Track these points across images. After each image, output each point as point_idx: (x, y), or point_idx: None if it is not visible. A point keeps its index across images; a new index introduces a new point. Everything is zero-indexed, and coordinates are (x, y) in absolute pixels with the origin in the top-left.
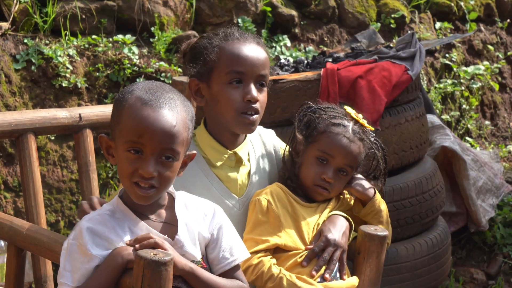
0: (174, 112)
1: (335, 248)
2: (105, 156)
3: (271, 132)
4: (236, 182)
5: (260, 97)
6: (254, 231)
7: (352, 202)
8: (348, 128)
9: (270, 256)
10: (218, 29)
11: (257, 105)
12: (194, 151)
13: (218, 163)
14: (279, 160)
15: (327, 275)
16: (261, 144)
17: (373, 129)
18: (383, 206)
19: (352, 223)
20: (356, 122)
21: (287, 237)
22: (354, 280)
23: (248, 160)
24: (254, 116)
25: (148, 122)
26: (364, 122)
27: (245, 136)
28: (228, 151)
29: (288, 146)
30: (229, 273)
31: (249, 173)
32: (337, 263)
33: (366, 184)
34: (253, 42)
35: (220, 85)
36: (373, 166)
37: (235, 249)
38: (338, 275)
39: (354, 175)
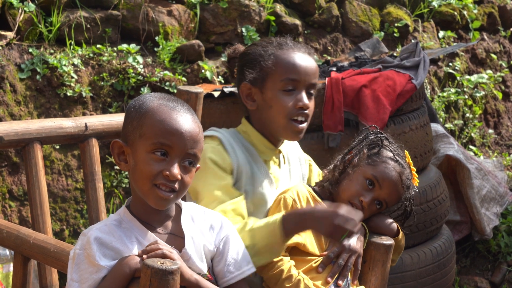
0: (196, 119)
1: (349, 253)
2: (115, 161)
3: (295, 142)
4: (278, 178)
5: (310, 105)
6: None
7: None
8: (404, 171)
9: (289, 257)
10: (270, 38)
11: (307, 112)
12: (199, 165)
13: (268, 158)
14: (304, 167)
15: (340, 282)
16: (291, 150)
17: (417, 184)
18: (403, 241)
19: (367, 229)
20: (411, 171)
21: (307, 238)
22: None
23: (285, 160)
24: (304, 124)
25: (178, 124)
26: (416, 174)
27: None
28: (275, 147)
29: (342, 157)
30: (234, 287)
31: (288, 171)
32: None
33: (393, 226)
34: (305, 51)
35: (274, 91)
36: (399, 215)
37: (241, 263)
38: (348, 283)
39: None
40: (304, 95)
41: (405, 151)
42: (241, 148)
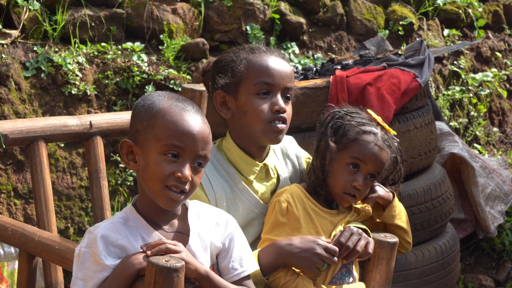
0: (205, 120)
1: (359, 237)
2: (124, 161)
3: (291, 139)
4: (266, 192)
5: (287, 108)
6: (273, 231)
7: (370, 210)
8: (378, 135)
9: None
10: (243, 44)
11: (284, 115)
12: None
13: (251, 176)
14: (301, 166)
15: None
16: (283, 152)
17: (395, 133)
18: (401, 207)
19: (370, 233)
20: (382, 128)
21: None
22: (362, 285)
23: (275, 170)
24: (283, 125)
25: (190, 126)
26: (389, 128)
27: (270, 147)
28: (259, 163)
29: (316, 154)
30: (238, 283)
31: (277, 182)
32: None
33: (384, 188)
34: (279, 55)
35: (248, 96)
36: (395, 170)
37: (244, 261)
38: (347, 279)
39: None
40: (279, 98)
41: (367, 110)
42: (220, 175)
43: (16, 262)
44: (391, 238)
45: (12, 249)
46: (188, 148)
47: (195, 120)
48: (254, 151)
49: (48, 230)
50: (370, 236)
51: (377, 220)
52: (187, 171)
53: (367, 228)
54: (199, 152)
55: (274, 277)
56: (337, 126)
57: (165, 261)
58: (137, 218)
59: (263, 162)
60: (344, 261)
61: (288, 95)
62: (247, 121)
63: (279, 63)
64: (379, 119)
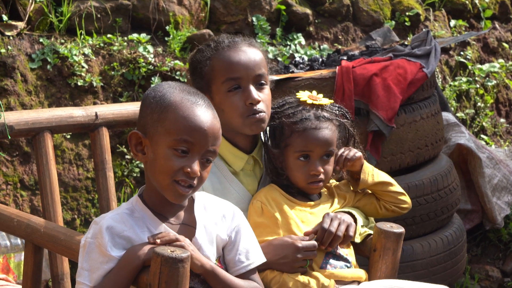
0: (215, 114)
1: (338, 222)
2: (132, 152)
3: None
4: (255, 184)
5: (262, 96)
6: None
7: (350, 187)
8: (310, 118)
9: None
10: (210, 40)
11: (260, 106)
12: None
13: (239, 169)
14: None
15: (329, 248)
16: None
17: (332, 101)
18: (372, 167)
19: (357, 218)
20: (313, 106)
21: (286, 234)
22: (361, 272)
23: (262, 164)
24: (261, 116)
25: (201, 121)
26: (321, 102)
27: (258, 139)
28: (246, 155)
29: (268, 160)
30: (245, 276)
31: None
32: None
33: (350, 151)
34: (244, 45)
35: (220, 95)
36: (349, 134)
37: (251, 253)
38: (346, 266)
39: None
40: (251, 89)
41: (297, 94)
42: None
43: (22, 254)
44: (397, 229)
45: (19, 241)
46: (198, 144)
47: (206, 116)
48: (241, 143)
49: (54, 221)
50: (356, 221)
51: (359, 190)
52: (196, 166)
53: (353, 212)
54: (209, 148)
55: (261, 276)
56: (273, 128)
57: (171, 251)
58: (143, 210)
59: (251, 154)
60: (329, 249)
61: (262, 82)
62: (227, 119)
63: (244, 55)
64: (309, 97)
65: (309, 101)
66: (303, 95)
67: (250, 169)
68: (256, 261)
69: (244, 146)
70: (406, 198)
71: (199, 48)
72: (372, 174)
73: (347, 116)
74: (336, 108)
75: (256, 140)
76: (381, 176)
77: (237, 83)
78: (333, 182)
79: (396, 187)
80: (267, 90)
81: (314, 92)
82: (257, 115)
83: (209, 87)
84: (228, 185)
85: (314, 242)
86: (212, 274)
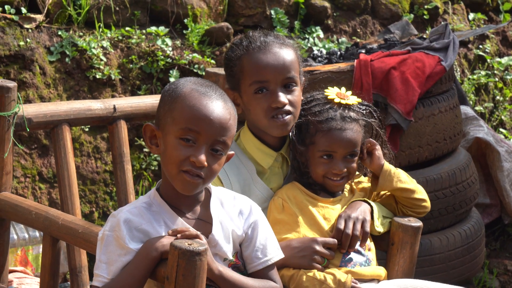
0: (228, 106)
1: (353, 221)
2: (147, 145)
3: None
4: (281, 182)
5: (290, 98)
6: (273, 229)
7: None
8: (335, 118)
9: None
10: (244, 36)
11: (287, 108)
12: (233, 152)
13: (267, 166)
14: None
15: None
16: None
17: (360, 100)
18: (397, 169)
19: (372, 204)
20: (340, 105)
21: (306, 232)
22: (381, 270)
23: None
24: (286, 117)
25: (208, 111)
26: (348, 101)
27: (287, 135)
28: (275, 153)
29: (292, 155)
30: (262, 272)
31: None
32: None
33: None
34: (275, 46)
35: (248, 95)
36: (377, 134)
37: (268, 249)
38: (366, 262)
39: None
40: (279, 93)
41: (325, 90)
42: (237, 168)
43: (41, 246)
44: (415, 222)
45: (37, 233)
46: (204, 133)
47: (214, 105)
48: (270, 140)
49: (72, 214)
50: (372, 207)
51: (376, 192)
52: (202, 156)
53: (368, 201)
54: (217, 138)
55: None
56: (299, 125)
57: (188, 244)
58: (161, 203)
59: (279, 152)
60: (350, 250)
61: (292, 84)
62: (253, 118)
63: (273, 57)
64: (337, 94)
65: (337, 100)
66: (332, 93)
67: (278, 166)
68: (274, 257)
69: (273, 143)
70: (427, 204)
71: (233, 43)
72: (391, 179)
73: (375, 115)
74: (364, 107)
75: (284, 137)
76: (402, 182)
77: (263, 86)
78: (360, 178)
79: (419, 194)
80: (296, 91)
81: (343, 89)
82: (282, 119)
83: (238, 86)
84: (253, 187)
85: (334, 240)
86: (221, 279)
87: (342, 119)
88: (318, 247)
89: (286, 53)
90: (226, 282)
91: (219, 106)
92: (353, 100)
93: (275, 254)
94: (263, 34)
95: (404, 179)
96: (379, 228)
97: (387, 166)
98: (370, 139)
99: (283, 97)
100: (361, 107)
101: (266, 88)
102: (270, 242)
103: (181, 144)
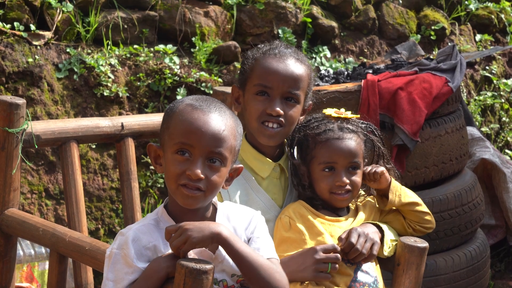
0: (223, 118)
1: (365, 239)
2: (152, 165)
3: None
4: (280, 194)
5: (287, 111)
6: (280, 247)
7: (376, 204)
8: (333, 129)
9: None
10: (269, 41)
11: (280, 119)
12: (241, 165)
13: (265, 175)
14: None
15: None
16: None
17: (358, 116)
18: (400, 185)
19: (384, 229)
20: (338, 119)
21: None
22: None
23: (287, 172)
24: (276, 129)
25: (198, 123)
26: (346, 115)
27: (284, 148)
28: (273, 162)
29: (293, 173)
30: None
31: (290, 183)
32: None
33: (377, 168)
34: (291, 59)
35: (250, 94)
36: (378, 150)
37: (261, 250)
38: (374, 284)
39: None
40: (277, 102)
41: (324, 110)
42: (234, 181)
43: (47, 263)
44: (421, 243)
45: (43, 249)
46: (197, 146)
47: (206, 118)
48: (267, 150)
49: (78, 230)
50: (383, 232)
51: (386, 208)
52: (197, 169)
53: (382, 226)
54: (212, 149)
55: None
56: (299, 142)
57: (195, 263)
58: (169, 221)
59: (277, 162)
60: (352, 261)
61: (293, 99)
62: (247, 118)
63: (284, 67)
64: (335, 112)
65: (334, 115)
66: (329, 111)
67: (276, 177)
68: (271, 258)
69: (269, 153)
70: (431, 218)
71: (259, 45)
72: (399, 194)
73: (376, 133)
74: (364, 125)
75: (283, 148)
76: (408, 196)
77: (266, 91)
78: (367, 198)
79: (423, 207)
80: (295, 108)
81: (342, 110)
82: (270, 129)
83: (244, 84)
84: (254, 195)
85: (333, 244)
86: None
87: (340, 129)
88: (317, 256)
89: (298, 68)
90: (231, 248)
91: (211, 118)
92: (350, 115)
93: (268, 255)
94: (285, 45)
95: (410, 194)
96: (387, 252)
97: (394, 182)
98: (373, 167)
99: (279, 107)
100: (359, 123)
101: (267, 93)
102: (265, 245)
103: (177, 159)
